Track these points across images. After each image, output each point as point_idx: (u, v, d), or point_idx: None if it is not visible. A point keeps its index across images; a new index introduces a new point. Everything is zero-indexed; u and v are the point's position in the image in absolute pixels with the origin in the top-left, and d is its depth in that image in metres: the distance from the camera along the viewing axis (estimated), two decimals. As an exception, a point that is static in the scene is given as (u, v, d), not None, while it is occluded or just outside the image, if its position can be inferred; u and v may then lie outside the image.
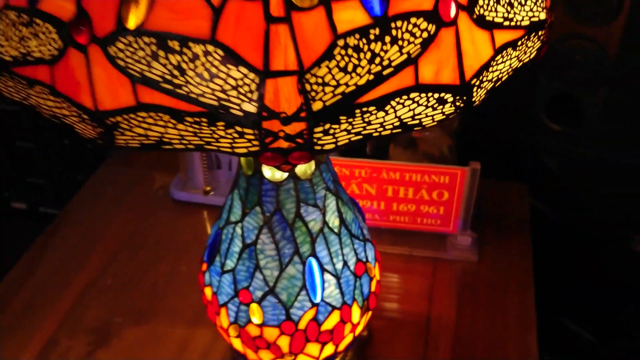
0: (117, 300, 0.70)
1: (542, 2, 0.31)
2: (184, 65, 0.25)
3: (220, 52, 0.24)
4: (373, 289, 0.51)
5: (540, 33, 0.31)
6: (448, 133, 0.77)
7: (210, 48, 0.24)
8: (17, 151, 1.12)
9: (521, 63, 0.31)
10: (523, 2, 0.29)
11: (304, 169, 0.43)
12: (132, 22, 0.24)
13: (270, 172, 0.43)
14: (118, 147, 0.28)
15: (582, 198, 0.93)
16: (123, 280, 0.73)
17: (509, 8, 0.28)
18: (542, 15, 0.31)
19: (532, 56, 0.32)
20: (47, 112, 0.29)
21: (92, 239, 0.79)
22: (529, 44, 0.31)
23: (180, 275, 0.73)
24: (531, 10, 0.30)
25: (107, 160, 0.94)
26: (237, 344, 0.49)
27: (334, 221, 0.47)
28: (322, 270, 0.46)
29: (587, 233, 0.94)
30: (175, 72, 0.25)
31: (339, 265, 0.47)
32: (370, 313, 0.52)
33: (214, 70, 0.25)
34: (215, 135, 0.26)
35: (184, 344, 0.65)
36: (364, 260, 0.50)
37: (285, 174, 0.43)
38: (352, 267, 0.48)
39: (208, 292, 0.50)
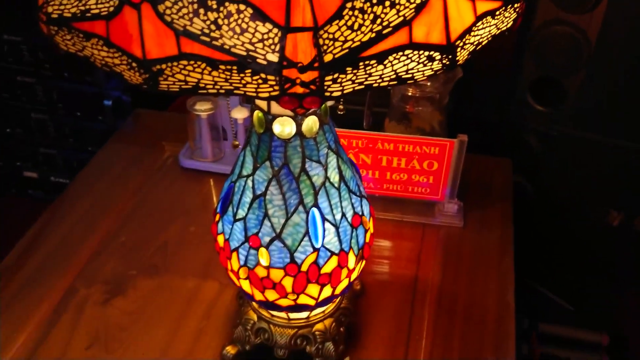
0: (131, 256, 0.76)
1: (517, -21, 0.36)
2: (219, 21, 0.30)
3: (250, 10, 0.30)
4: (367, 240, 0.57)
5: (516, 5, 0.37)
6: (438, 109, 0.83)
7: (242, 7, 0.30)
8: (31, 123, 1.17)
9: (499, 31, 0.37)
10: (500, -22, 0.35)
11: (309, 126, 0.49)
12: (179, -16, 0.30)
13: (280, 128, 0.48)
14: (160, 90, 0.33)
15: (561, 174, 1.00)
16: (136, 239, 0.79)
17: (488, -18, 0.34)
18: (517, -10, 0.36)
19: (508, 25, 0.37)
20: (99, 61, 0.34)
21: (105, 203, 0.84)
22: (506, 14, 0.36)
23: (189, 235, 0.79)
24: (508, -15, 0.35)
25: (117, 132, 0.99)
26: (245, 285, 0.55)
27: (334, 177, 0.53)
28: (323, 219, 0.52)
29: (565, 207, 1.00)
30: (212, 27, 0.30)
31: (338, 216, 0.53)
32: (364, 262, 0.58)
33: (244, 25, 0.30)
34: (243, 81, 0.32)
35: (192, 294, 0.71)
36: (360, 213, 0.55)
37: (293, 131, 0.49)
38: (349, 219, 0.54)
39: (220, 239, 0.56)
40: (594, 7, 0.85)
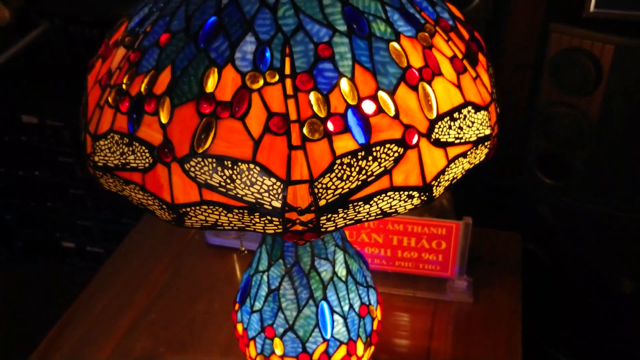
0: (161, 333, 0.82)
1: (487, 121, 0.42)
2: (234, 176, 0.37)
3: (258, 168, 0.37)
4: (375, 327, 0.62)
5: (486, 143, 0.43)
6: (446, 190, 0.88)
7: (251, 166, 0.37)
8: (70, 197, 1.27)
9: (472, 165, 0.43)
10: (470, 124, 0.41)
11: (317, 231, 0.55)
12: (201, 148, 0.37)
13: (291, 234, 0.55)
14: (185, 226, 0.40)
15: (573, 243, 1.03)
16: (165, 316, 0.85)
17: (459, 131, 0.40)
18: (487, 132, 0.42)
19: (482, 159, 0.43)
20: (136, 201, 0.42)
21: (138, 281, 0.91)
22: (477, 152, 0.42)
23: (213, 312, 0.85)
24: (478, 129, 0.42)
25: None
26: (263, 371, 0.61)
27: (341, 271, 0.58)
28: (332, 311, 0.58)
29: (579, 275, 1.03)
30: (228, 181, 0.37)
31: (346, 308, 0.58)
32: (373, 348, 0.63)
33: (253, 179, 0.37)
34: (253, 221, 0.38)
35: (217, 371, 0.76)
36: (367, 303, 0.61)
37: (303, 235, 0.55)
38: (357, 309, 0.59)
39: (239, 327, 0.61)
40: (592, 91, 0.90)
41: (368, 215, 0.39)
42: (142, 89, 0.38)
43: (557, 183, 0.99)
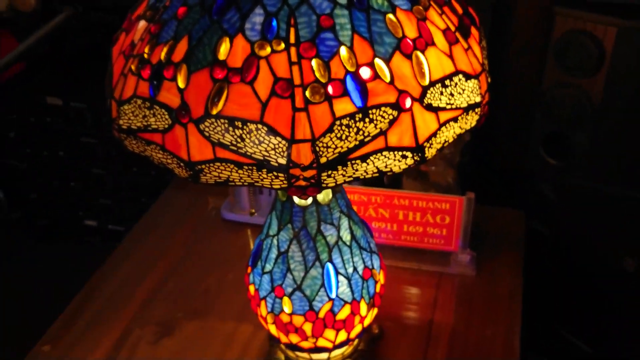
0: (178, 300, 0.87)
1: (478, 89, 0.46)
2: (244, 136, 0.41)
3: (265, 128, 0.41)
4: (378, 290, 0.66)
5: (477, 110, 0.46)
6: (451, 166, 0.92)
7: (259, 126, 0.41)
8: (91, 177, 1.33)
9: (463, 130, 0.46)
10: (461, 91, 0.45)
11: (322, 197, 0.59)
12: (214, 110, 0.41)
13: (298, 199, 0.59)
14: (201, 182, 0.44)
15: (576, 222, 1.06)
16: (182, 285, 0.90)
17: (450, 97, 0.44)
18: (478, 99, 0.46)
19: (472, 125, 0.47)
20: (157, 160, 0.46)
21: (156, 254, 0.96)
22: (468, 118, 0.46)
23: (228, 282, 0.90)
24: (468, 96, 0.45)
25: (167, 187, 1.12)
26: (272, 329, 0.65)
27: (346, 236, 0.62)
28: (337, 273, 0.62)
29: (582, 252, 1.06)
30: (238, 140, 0.41)
31: (350, 270, 0.62)
32: (376, 309, 0.67)
33: (261, 138, 0.41)
34: (261, 177, 0.43)
35: (230, 335, 0.81)
36: (370, 267, 0.65)
37: (310, 200, 0.59)
38: (360, 272, 0.63)
39: (252, 288, 0.66)
40: (595, 73, 0.93)
41: (365, 173, 0.43)
42: (162, 58, 0.43)
43: (561, 163, 1.02)
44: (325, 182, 0.42)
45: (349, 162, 0.42)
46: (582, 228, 1.05)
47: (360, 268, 0.63)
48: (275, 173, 0.42)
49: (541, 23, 1.06)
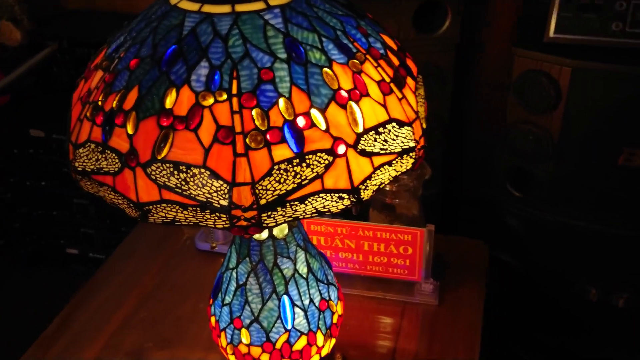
0: (149, 329, 0.89)
1: (411, 135, 0.49)
2: (188, 179, 0.44)
3: (207, 172, 0.44)
4: (335, 321, 0.68)
5: (411, 154, 0.50)
6: (414, 198, 0.95)
7: (202, 170, 0.44)
8: (73, 206, 1.35)
9: (399, 172, 0.49)
10: (395, 138, 0.48)
11: (278, 231, 0.62)
12: (160, 155, 0.44)
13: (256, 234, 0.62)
14: (148, 222, 0.47)
15: (542, 253, 1.09)
16: (155, 314, 0.92)
17: (384, 142, 0.47)
18: (412, 144, 0.49)
19: (408, 167, 0.50)
20: (109, 200, 0.49)
21: (130, 283, 0.98)
22: (403, 161, 0.49)
23: (199, 311, 0.92)
24: (402, 142, 0.48)
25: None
26: (232, 359, 0.67)
27: (302, 269, 0.65)
28: (293, 305, 0.64)
29: (546, 282, 1.09)
30: (183, 183, 0.44)
31: (306, 302, 0.65)
32: (334, 340, 0.69)
33: (204, 181, 0.44)
34: (205, 217, 0.45)
35: (198, 364, 0.83)
36: (327, 298, 0.67)
37: (265, 235, 0.62)
38: (317, 303, 0.66)
39: (213, 320, 0.68)
40: (553, 110, 0.97)
41: (304, 213, 0.46)
42: (114, 105, 0.46)
43: (524, 195, 1.05)
44: (265, 222, 0.45)
45: (287, 204, 0.45)
46: (545, 258, 1.08)
47: (316, 300, 0.66)
48: (218, 214, 0.45)
49: (505, 62, 1.10)
